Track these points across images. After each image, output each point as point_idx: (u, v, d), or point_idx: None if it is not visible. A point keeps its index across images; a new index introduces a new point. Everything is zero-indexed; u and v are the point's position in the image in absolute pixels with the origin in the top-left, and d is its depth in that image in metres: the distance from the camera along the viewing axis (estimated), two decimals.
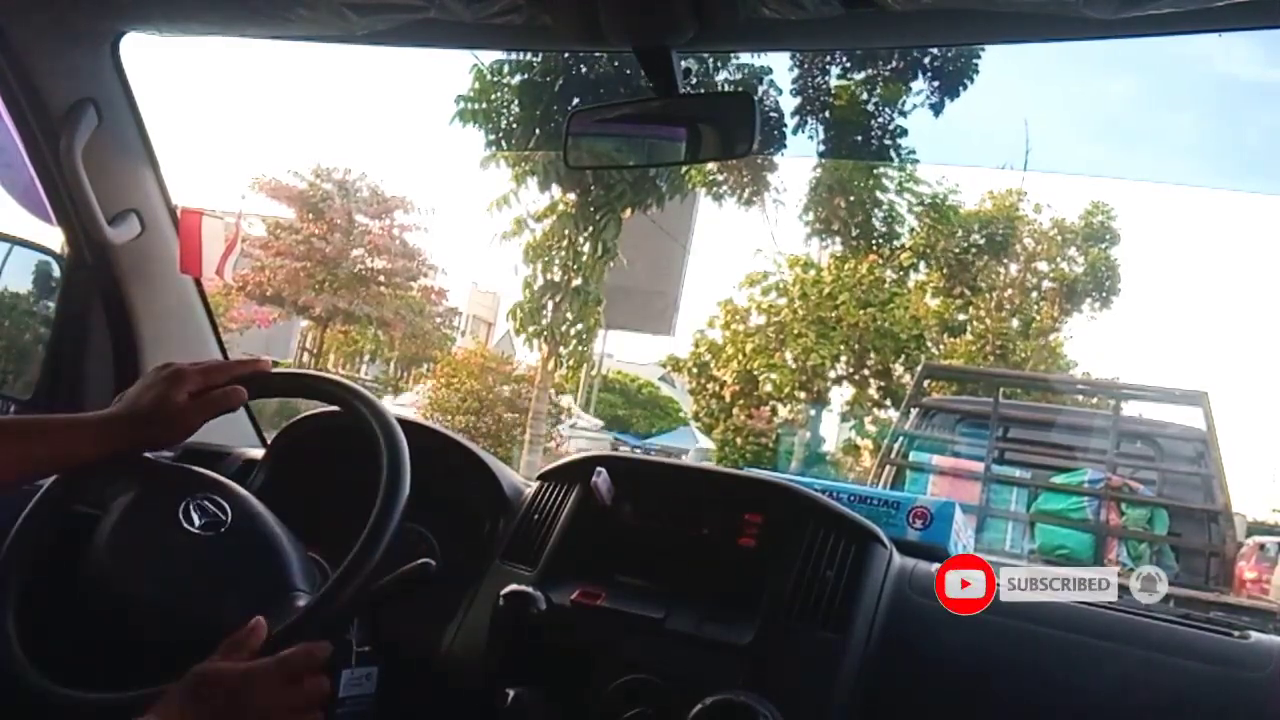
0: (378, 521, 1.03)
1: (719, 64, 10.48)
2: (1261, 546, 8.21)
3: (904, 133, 12.20)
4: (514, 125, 11.67)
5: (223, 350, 1.76)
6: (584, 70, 11.09)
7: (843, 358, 15.16)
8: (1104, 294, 16.44)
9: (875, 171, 14.83)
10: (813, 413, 15.90)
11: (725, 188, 14.49)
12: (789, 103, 12.01)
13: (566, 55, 9.79)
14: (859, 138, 12.29)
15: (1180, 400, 4.86)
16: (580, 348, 13.40)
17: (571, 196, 12.29)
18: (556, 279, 12.59)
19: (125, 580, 1.04)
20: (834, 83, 12.09)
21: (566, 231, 12.41)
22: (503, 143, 11.92)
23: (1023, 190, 16.23)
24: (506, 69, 11.44)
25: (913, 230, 15.75)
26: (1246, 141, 18.09)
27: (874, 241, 15.47)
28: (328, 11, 1.17)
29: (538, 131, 11.37)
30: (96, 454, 1.09)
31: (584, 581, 1.20)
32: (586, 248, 12.52)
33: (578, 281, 12.54)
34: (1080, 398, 9.79)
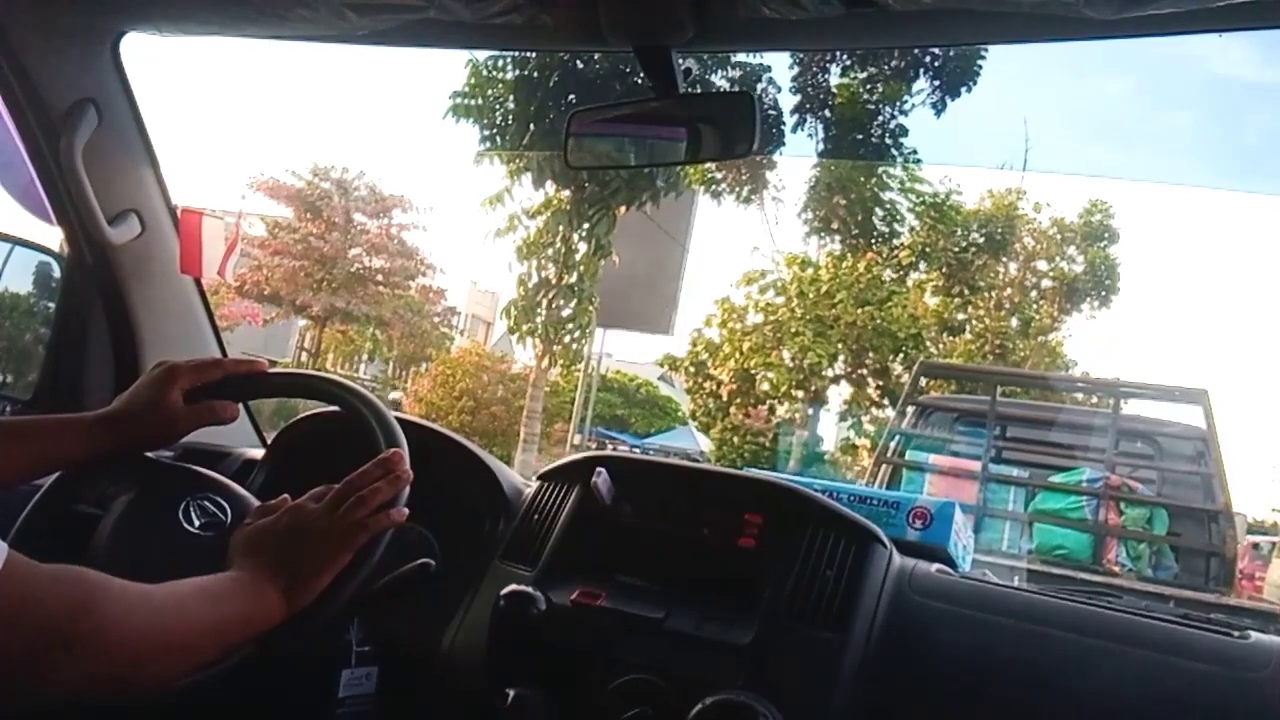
0: None
1: (719, 64, 10.47)
2: (1255, 545, 8.24)
3: (904, 132, 12.24)
4: (508, 121, 11.62)
5: (223, 350, 1.76)
6: (579, 67, 11.04)
7: (840, 356, 15.17)
8: (1103, 293, 16.48)
9: (875, 170, 14.83)
10: (810, 412, 15.90)
11: (724, 186, 14.48)
12: (789, 102, 12.05)
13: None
14: (859, 137, 12.30)
15: (1180, 399, 4.81)
16: (575, 346, 13.36)
17: (566, 193, 12.23)
18: (551, 276, 12.54)
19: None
20: (834, 82, 12.11)
21: (560, 228, 12.36)
22: (497, 139, 11.88)
23: (1022, 189, 16.29)
24: (501, 64, 11.42)
25: (912, 229, 15.77)
26: (1245, 141, 18.13)
27: (873, 240, 15.47)
28: (328, 11, 1.17)
29: (532, 128, 11.33)
30: (92, 453, 1.09)
31: (584, 581, 1.20)
32: (581, 245, 12.48)
33: (572, 279, 12.49)
34: (1079, 396, 9.78)
